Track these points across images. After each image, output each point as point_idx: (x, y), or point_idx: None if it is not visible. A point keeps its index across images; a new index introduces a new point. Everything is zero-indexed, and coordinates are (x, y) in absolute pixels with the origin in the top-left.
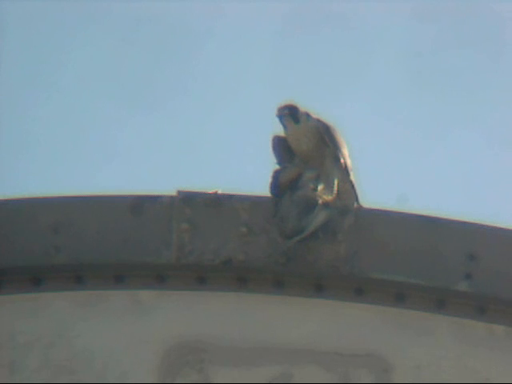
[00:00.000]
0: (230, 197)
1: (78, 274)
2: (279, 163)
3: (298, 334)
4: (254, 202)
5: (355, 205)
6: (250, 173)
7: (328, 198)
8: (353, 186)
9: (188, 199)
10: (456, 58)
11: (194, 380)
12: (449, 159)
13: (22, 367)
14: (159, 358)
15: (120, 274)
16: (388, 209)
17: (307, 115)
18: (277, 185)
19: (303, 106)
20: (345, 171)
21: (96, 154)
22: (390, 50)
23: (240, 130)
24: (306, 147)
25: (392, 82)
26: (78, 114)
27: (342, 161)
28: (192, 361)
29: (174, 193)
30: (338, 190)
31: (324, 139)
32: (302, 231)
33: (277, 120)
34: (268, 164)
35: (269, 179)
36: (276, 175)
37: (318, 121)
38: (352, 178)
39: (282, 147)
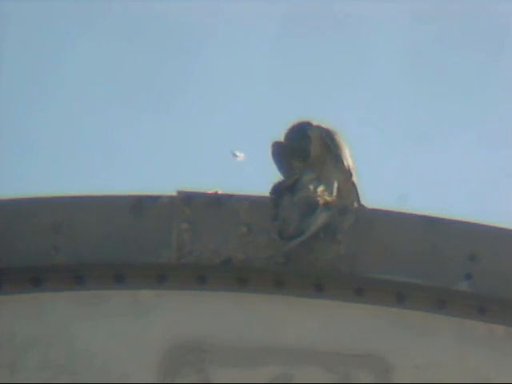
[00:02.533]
0: (230, 197)
1: (77, 274)
2: (280, 170)
3: (298, 334)
4: (253, 201)
5: (356, 205)
6: (250, 173)
7: (329, 198)
8: (354, 187)
9: (188, 199)
10: (456, 59)
11: (194, 380)
12: (449, 159)
13: (22, 367)
14: (159, 358)
15: (120, 273)
16: (388, 209)
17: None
18: (278, 188)
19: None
20: (347, 172)
21: (96, 154)
22: (390, 51)
23: (240, 130)
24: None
25: (392, 82)
26: (78, 114)
27: (343, 162)
28: (192, 361)
29: (174, 193)
30: (339, 192)
31: (327, 145)
32: (302, 233)
33: (277, 120)
34: (268, 164)
35: (269, 180)
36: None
37: (320, 128)
38: (354, 179)
39: (282, 153)
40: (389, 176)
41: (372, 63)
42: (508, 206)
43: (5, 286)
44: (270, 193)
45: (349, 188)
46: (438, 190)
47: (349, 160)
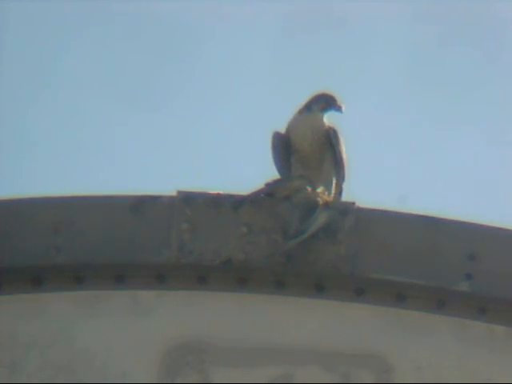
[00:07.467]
0: (230, 197)
1: (78, 274)
2: (277, 163)
3: (298, 334)
4: (254, 201)
5: (356, 205)
6: (250, 173)
7: (328, 198)
8: (340, 193)
9: (188, 199)
10: (456, 58)
11: (194, 380)
12: (449, 159)
13: (22, 367)
14: (159, 358)
15: (120, 274)
16: (388, 209)
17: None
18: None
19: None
20: (341, 177)
21: (96, 154)
22: (391, 51)
23: (240, 130)
24: (310, 148)
25: (392, 82)
26: (77, 114)
27: (342, 163)
28: (192, 361)
29: (173, 193)
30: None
31: (331, 142)
32: (303, 233)
33: (277, 120)
34: (268, 164)
35: (268, 179)
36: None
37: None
38: (343, 185)
39: (281, 144)
40: (389, 176)
41: (372, 63)
42: (508, 205)
43: (5, 286)
44: (265, 184)
45: (337, 189)
46: (438, 190)
47: (345, 164)
